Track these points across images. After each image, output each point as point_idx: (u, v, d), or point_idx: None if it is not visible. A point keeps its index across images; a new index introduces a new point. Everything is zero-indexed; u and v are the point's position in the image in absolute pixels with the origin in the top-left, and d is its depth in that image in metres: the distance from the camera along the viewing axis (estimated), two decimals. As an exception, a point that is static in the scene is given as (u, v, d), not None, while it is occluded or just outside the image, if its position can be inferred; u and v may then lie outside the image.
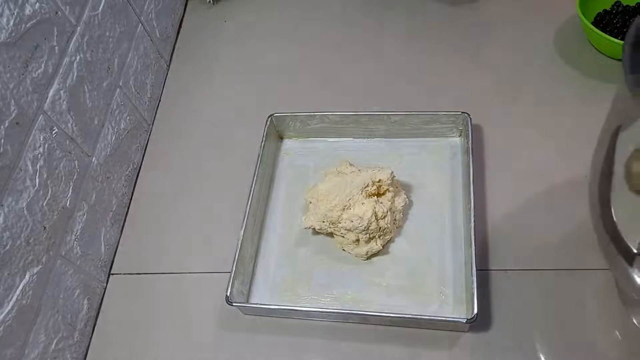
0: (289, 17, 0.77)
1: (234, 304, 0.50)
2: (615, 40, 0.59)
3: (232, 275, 0.51)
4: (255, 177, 0.57)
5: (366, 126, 0.61)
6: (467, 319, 0.45)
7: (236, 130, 0.64)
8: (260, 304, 0.53)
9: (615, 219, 0.33)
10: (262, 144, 0.59)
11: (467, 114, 0.57)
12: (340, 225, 0.53)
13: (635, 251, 0.33)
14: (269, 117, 0.61)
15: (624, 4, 0.63)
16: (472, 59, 0.68)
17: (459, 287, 0.50)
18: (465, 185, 0.54)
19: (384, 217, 0.53)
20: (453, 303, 0.50)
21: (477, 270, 0.47)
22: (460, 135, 0.60)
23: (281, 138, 0.64)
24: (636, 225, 0.33)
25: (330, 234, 0.55)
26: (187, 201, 0.62)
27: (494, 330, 0.49)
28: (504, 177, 0.57)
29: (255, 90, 0.70)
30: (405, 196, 0.55)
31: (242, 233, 0.53)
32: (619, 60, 0.63)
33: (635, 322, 0.46)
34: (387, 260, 0.54)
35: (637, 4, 0.63)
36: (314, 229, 0.55)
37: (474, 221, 0.50)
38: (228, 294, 0.50)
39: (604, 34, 0.59)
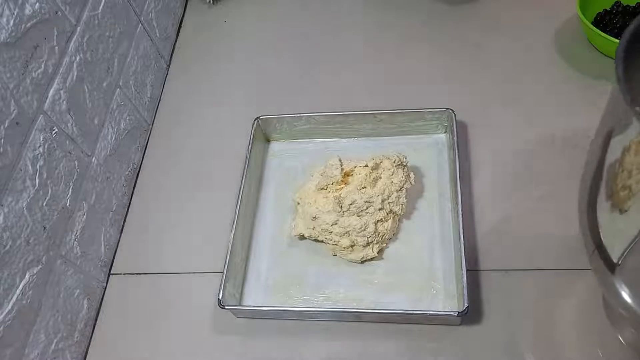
0: (289, 17, 0.77)
1: (226, 307, 0.50)
2: (615, 40, 0.59)
3: (224, 278, 0.51)
4: (243, 181, 0.57)
5: (352, 126, 0.61)
6: (459, 312, 0.46)
7: (236, 130, 0.64)
8: (253, 306, 0.53)
9: (600, 228, 0.34)
10: (249, 147, 0.59)
11: (452, 110, 0.57)
12: (333, 232, 0.53)
13: (615, 261, 0.33)
14: (255, 120, 0.61)
15: (624, 4, 0.63)
16: (470, 58, 0.67)
17: (449, 282, 0.51)
18: (452, 181, 0.55)
19: (385, 220, 0.53)
20: (444, 298, 0.50)
21: (466, 264, 0.48)
22: (445, 132, 0.60)
23: (268, 140, 0.65)
24: (619, 236, 0.33)
25: (320, 241, 0.55)
26: (187, 201, 0.62)
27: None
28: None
29: (255, 90, 0.70)
30: (411, 178, 0.55)
31: (232, 236, 0.53)
32: (619, 60, 0.63)
33: (621, 339, 0.46)
34: (378, 258, 0.54)
35: (637, 3, 0.63)
36: (302, 235, 0.55)
37: (462, 216, 0.50)
38: (220, 297, 0.50)
39: (604, 34, 0.59)
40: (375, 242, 0.53)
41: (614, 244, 0.34)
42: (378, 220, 0.53)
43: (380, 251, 0.54)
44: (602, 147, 0.31)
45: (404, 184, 0.54)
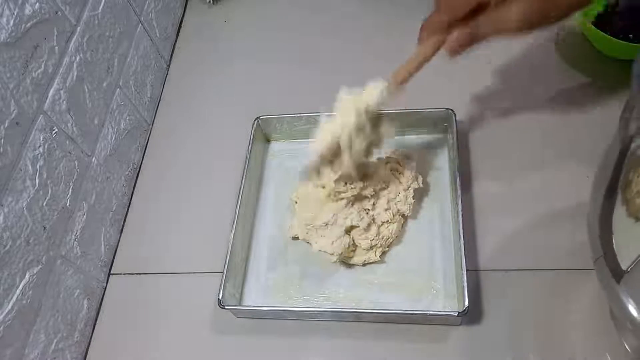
0: (289, 17, 0.77)
1: (226, 307, 0.50)
2: (616, 40, 0.59)
3: (224, 278, 0.51)
4: (243, 180, 0.57)
5: None
6: (459, 312, 0.46)
7: (236, 130, 0.64)
8: (253, 306, 0.53)
9: (613, 234, 0.33)
10: (250, 147, 0.59)
11: (452, 110, 0.57)
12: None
13: (624, 269, 0.33)
14: (255, 119, 0.61)
15: (624, 4, 0.63)
16: (471, 58, 0.67)
17: (449, 282, 0.51)
18: (452, 181, 0.55)
19: (391, 223, 0.53)
20: (444, 298, 0.50)
21: (466, 264, 0.47)
22: (445, 132, 0.60)
23: (268, 140, 0.64)
24: (633, 243, 0.33)
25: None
26: (187, 201, 0.62)
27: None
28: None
29: (255, 90, 0.70)
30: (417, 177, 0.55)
31: (232, 236, 0.53)
32: (620, 60, 0.63)
33: (625, 345, 0.46)
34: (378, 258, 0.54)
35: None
36: (297, 237, 0.55)
37: (462, 216, 0.50)
38: (220, 297, 0.50)
39: (604, 34, 0.59)
40: (379, 245, 0.52)
41: (625, 251, 0.33)
42: (384, 222, 0.52)
43: (382, 254, 0.54)
44: (621, 152, 0.31)
45: (411, 183, 0.54)
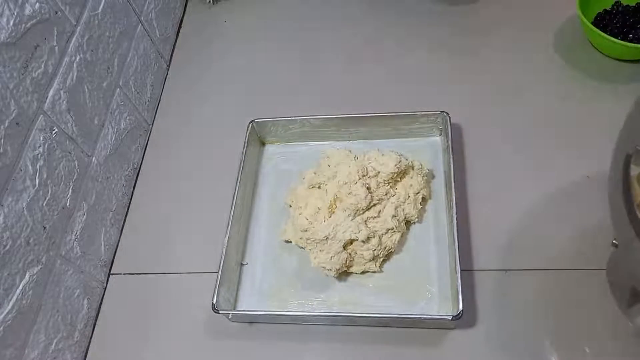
0: (289, 18, 0.77)
1: (220, 312, 0.50)
2: (615, 40, 0.59)
3: (218, 282, 0.50)
4: (237, 184, 0.57)
5: (347, 128, 0.61)
6: (453, 316, 0.45)
7: (235, 130, 0.64)
8: (247, 311, 0.52)
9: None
10: (244, 150, 0.59)
11: (446, 113, 0.57)
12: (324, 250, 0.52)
13: None
14: (249, 123, 0.61)
15: (624, 4, 0.63)
16: (470, 58, 0.67)
17: (444, 285, 0.51)
18: (447, 184, 0.54)
19: (396, 231, 0.52)
20: (439, 301, 0.50)
21: (461, 268, 0.47)
22: (440, 135, 0.60)
23: (263, 143, 0.64)
24: None
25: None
26: (187, 201, 0.62)
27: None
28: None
29: (255, 90, 0.70)
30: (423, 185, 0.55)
31: (226, 240, 0.53)
32: (619, 60, 0.63)
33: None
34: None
35: (637, 4, 0.63)
36: (289, 240, 0.55)
37: (456, 219, 0.50)
38: (214, 302, 0.49)
39: (604, 34, 0.59)
40: (380, 256, 0.52)
41: None
42: (389, 230, 0.52)
43: (382, 262, 0.53)
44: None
45: (422, 189, 0.54)
